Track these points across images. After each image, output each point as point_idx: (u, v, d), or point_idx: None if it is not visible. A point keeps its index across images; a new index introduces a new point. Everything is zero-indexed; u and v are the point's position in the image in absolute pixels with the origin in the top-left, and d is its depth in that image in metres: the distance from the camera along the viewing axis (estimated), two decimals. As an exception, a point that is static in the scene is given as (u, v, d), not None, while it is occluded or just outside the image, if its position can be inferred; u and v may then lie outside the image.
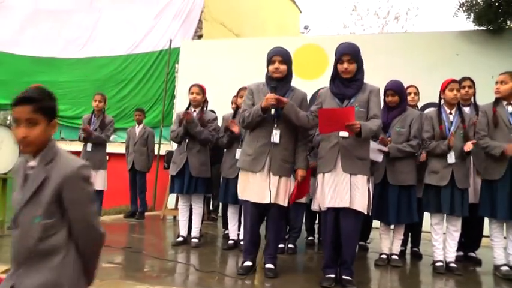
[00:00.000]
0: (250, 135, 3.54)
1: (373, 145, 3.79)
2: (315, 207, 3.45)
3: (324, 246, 3.40)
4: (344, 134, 3.24)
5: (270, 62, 3.49)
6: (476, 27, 7.15)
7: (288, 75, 3.54)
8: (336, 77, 3.38)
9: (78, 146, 6.06)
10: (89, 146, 5.80)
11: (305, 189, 3.64)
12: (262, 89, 3.56)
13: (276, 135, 3.42)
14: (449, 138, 3.83)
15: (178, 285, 3.21)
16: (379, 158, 3.85)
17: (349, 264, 3.24)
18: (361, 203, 3.19)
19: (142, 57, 9.53)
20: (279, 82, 3.50)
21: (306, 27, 18.44)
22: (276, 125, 3.43)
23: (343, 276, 3.21)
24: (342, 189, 3.19)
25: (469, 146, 3.79)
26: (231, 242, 4.63)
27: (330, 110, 3.21)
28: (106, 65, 9.77)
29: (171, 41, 8.92)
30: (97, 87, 8.97)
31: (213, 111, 5.12)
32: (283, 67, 3.48)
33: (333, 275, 3.25)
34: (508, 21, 7.11)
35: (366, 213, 3.25)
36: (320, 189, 3.31)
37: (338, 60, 3.30)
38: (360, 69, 3.33)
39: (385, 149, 3.90)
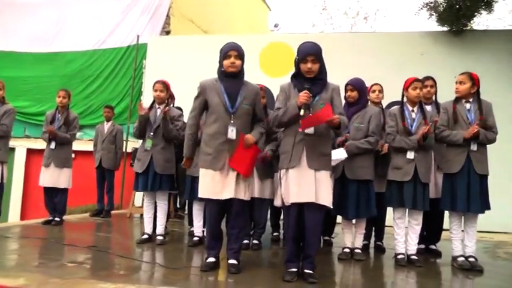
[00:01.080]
0: (207, 135, 3.54)
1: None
2: (277, 203, 3.46)
3: (287, 240, 3.43)
4: (309, 131, 3.28)
5: (225, 56, 3.49)
6: (440, 28, 7.34)
7: (242, 70, 3.57)
8: (298, 75, 3.39)
9: (43, 144, 5.95)
10: (53, 144, 5.69)
11: (247, 163, 3.47)
12: (215, 85, 3.56)
13: (232, 132, 3.44)
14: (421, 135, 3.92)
15: (142, 283, 3.18)
16: (344, 155, 3.94)
17: (312, 258, 3.28)
18: (326, 198, 3.24)
19: (109, 53, 9.40)
20: (234, 78, 3.52)
21: (276, 25, 18.48)
22: (232, 121, 3.46)
23: (306, 270, 3.25)
24: (308, 185, 3.22)
25: (425, 129, 3.89)
26: (196, 238, 4.63)
27: (312, 116, 3.18)
28: (73, 60, 9.61)
29: (138, 36, 8.83)
30: (63, 83, 8.82)
31: (179, 108, 5.10)
32: (239, 62, 3.50)
33: (295, 269, 3.28)
34: (469, 23, 7.35)
35: (331, 207, 3.30)
36: (284, 185, 3.32)
37: (302, 60, 3.31)
38: (323, 69, 3.37)
39: (345, 155, 3.97)
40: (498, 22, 17.84)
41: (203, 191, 3.50)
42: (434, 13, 7.22)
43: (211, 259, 3.51)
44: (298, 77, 3.39)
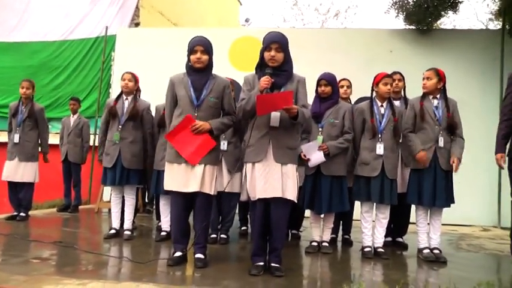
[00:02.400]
0: (173, 128, 3.51)
1: (310, 148, 3.92)
2: (243, 197, 3.44)
3: (253, 234, 3.42)
4: (275, 123, 3.27)
5: (191, 51, 3.48)
6: (408, 26, 7.47)
7: (210, 64, 3.55)
8: (261, 65, 3.37)
9: (7, 137, 5.78)
10: (17, 138, 5.54)
11: (192, 149, 3.42)
12: (183, 79, 3.54)
13: None
14: None
15: (108, 278, 3.12)
16: (322, 158, 3.99)
17: (279, 252, 3.29)
18: (292, 192, 3.24)
19: (77, 44, 9.16)
20: (201, 72, 3.51)
21: (247, 20, 18.48)
22: (196, 114, 3.45)
23: (272, 264, 3.26)
24: (274, 179, 3.21)
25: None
26: (163, 233, 4.59)
27: (269, 95, 3.19)
28: (39, 50, 9.30)
29: (107, 28, 8.62)
30: (29, 74, 8.51)
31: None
32: (205, 57, 3.48)
33: (261, 263, 3.29)
34: (436, 22, 7.52)
35: (295, 201, 3.30)
36: (250, 179, 3.30)
37: (266, 48, 3.29)
38: (288, 60, 3.35)
39: (323, 159, 4.01)
40: (465, 22, 18.35)
41: (168, 184, 3.48)
42: (402, 12, 7.33)
43: (178, 253, 3.49)
44: (262, 67, 3.36)
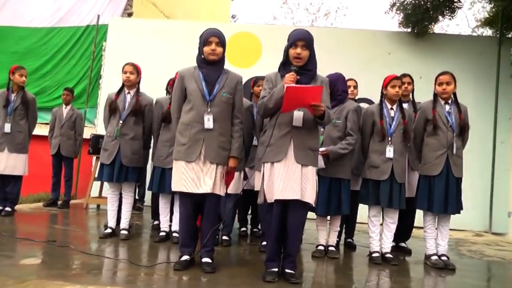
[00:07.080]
0: (182, 124, 3.33)
1: None
2: (260, 200, 3.28)
3: (268, 239, 3.25)
4: (298, 123, 3.12)
5: (205, 43, 3.31)
6: (403, 29, 7.42)
7: (223, 58, 3.40)
8: (285, 63, 3.24)
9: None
10: (7, 127, 5.25)
11: (231, 179, 3.45)
12: (194, 73, 3.37)
13: (208, 121, 3.26)
14: None
15: (116, 284, 2.86)
16: (321, 164, 3.85)
17: (293, 258, 3.16)
18: (311, 195, 3.10)
19: (67, 32, 8.88)
20: (214, 65, 3.36)
21: (233, 16, 18.32)
22: (208, 110, 3.28)
23: (287, 270, 3.11)
24: (294, 181, 3.06)
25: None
26: (162, 234, 4.39)
27: (300, 86, 3.02)
28: (26, 36, 9.00)
29: (98, 16, 8.33)
30: (15, 60, 8.19)
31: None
32: (220, 49, 3.33)
33: (276, 269, 3.13)
34: (432, 26, 7.52)
35: (314, 205, 3.17)
36: (268, 180, 3.14)
37: (291, 45, 3.16)
38: (312, 59, 3.22)
39: (322, 166, 3.88)
40: (456, 28, 18.55)
41: (177, 184, 3.28)
42: (401, 12, 7.28)
43: (186, 257, 3.30)
44: (286, 66, 3.23)
